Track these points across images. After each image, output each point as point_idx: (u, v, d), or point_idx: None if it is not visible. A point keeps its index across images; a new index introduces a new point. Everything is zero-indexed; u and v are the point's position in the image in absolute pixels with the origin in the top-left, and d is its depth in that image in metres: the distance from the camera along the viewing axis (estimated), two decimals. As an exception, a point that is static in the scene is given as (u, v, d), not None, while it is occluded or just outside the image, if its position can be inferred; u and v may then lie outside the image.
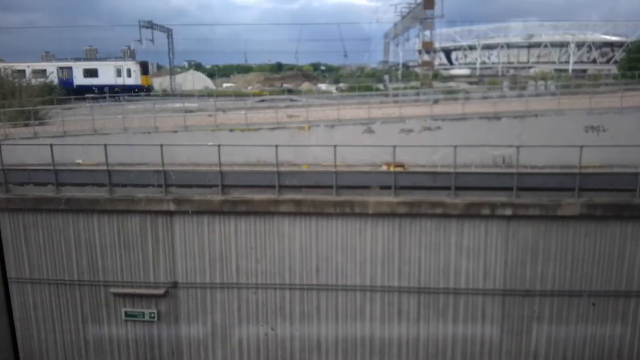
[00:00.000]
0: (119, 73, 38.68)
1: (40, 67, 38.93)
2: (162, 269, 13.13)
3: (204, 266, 13.03)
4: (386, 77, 51.73)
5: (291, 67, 65.25)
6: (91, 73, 38.62)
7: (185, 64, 66.94)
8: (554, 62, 56.91)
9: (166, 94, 38.00)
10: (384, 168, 15.94)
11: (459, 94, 33.22)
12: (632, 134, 19.70)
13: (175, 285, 13.17)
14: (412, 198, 12.43)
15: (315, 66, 66.00)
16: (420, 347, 12.97)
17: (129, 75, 38.83)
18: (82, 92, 35.54)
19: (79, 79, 38.25)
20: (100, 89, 35.37)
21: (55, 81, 37.54)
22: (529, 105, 23.88)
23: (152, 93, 39.16)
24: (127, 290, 13.26)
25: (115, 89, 35.85)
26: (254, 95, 39.27)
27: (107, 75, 38.21)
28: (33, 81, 34.06)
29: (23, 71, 35.45)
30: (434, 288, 12.68)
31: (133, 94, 35.44)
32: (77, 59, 43.50)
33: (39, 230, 13.23)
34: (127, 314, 13.35)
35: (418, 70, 52.04)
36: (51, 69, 39.08)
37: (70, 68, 39.23)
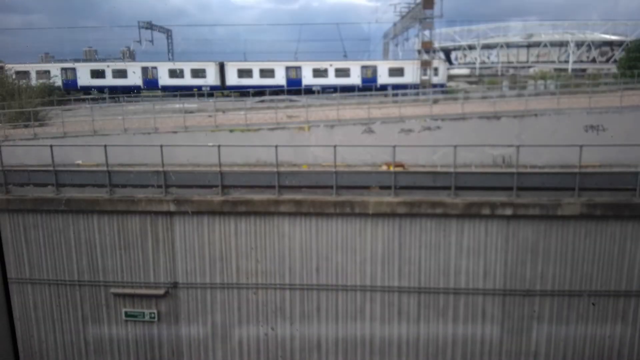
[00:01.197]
0: (424, 72, 39.54)
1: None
2: (162, 269, 13.14)
3: (204, 266, 13.04)
4: (386, 77, 51.55)
5: (291, 67, 65.00)
6: (396, 72, 39.37)
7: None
8: (553, 62, 56.90)
9: (166, 95, 38.00)
10: (384, 168, 15.96)
11: (458, 94, 33.21)
12: (632, 133, 19.74)
13: (175, 285, 13.18)
14: (412, 198, 12.43)
15: (315, 66, 65.75)
16: (420, 347, 12.97)
17: (436, 73, 39.53)
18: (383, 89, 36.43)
19: (384, 78, 39.05)
20: (403, 87, 35.90)
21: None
22: (528, 105, 23.90)
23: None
24: (127, 290, 13.26)
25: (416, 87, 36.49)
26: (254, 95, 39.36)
27: (411, 73, 39.01)
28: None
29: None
30: (434, 288, 12.68)
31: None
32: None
33: (39, 231, 13.24)
34: (127, 314, 13.35)
35: (418, 70, 51.90)
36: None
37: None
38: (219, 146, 12.93)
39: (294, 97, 34.31)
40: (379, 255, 12.67)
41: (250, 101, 32.09)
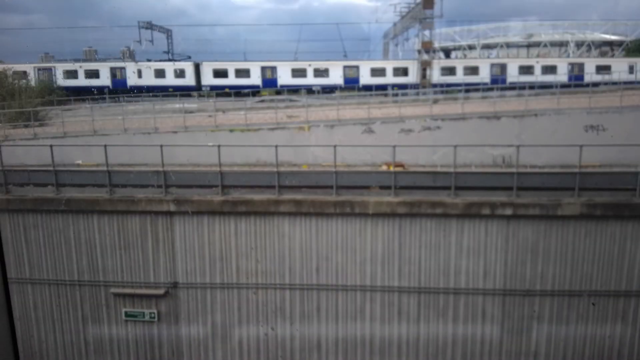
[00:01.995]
0: (630, 70, 40.48)
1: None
2: (162, 269, 13.14)
3: (204, 266, 13.04)
4: (386, 77, 51.50)
5: (291, 67, 64.97)
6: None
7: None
8: (553, 62, 56.83)
9: (167, 94, 37.87)
10: (384, 168, 15.95)
11: (458, 94, 33.20)
12: (632, 133, 19.74)
13: (175, 285, 13.17)
14: (412, 198, 12.43)
15: (315, 66, 65.75)
16: (420, 347, 12.97)
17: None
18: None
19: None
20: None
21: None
22: (528, 105, 23.87)
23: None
24: (127, 290, 13.26)
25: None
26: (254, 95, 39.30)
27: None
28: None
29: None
30: (434, 288, 12.68)
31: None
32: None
33: (39, 231, 13.24)
34: (127, 314, 13.35)
35: (418, 70, 51.82)
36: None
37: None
38: (219, 146, 12.93)
39: (293, 97, 34.31)
40: (379, 255, 12.67)
41: (250, 101, 32.10)
